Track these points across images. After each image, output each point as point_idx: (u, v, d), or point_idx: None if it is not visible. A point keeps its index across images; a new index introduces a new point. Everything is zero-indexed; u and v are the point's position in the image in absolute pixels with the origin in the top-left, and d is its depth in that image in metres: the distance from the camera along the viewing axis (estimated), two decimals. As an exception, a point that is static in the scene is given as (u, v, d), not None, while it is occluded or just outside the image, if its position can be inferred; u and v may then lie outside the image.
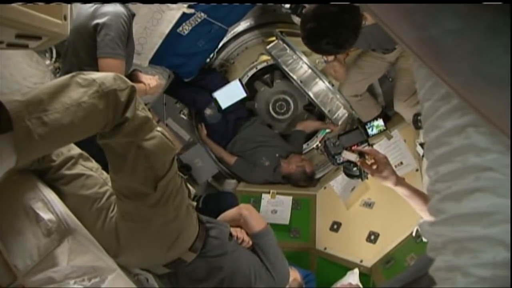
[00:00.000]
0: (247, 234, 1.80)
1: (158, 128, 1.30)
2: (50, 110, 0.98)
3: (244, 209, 1.87)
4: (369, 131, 1.50)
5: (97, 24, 1.65)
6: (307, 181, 2.91)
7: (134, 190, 1.28)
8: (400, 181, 1.26)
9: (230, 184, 3.27)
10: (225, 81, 3.01)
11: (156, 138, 1.26)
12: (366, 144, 1.46)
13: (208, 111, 2.98)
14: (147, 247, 1.39)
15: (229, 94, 2.87)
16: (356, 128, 1.51)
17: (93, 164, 1.42)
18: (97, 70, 1.65)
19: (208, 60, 3.00)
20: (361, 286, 2.12)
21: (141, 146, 1.22)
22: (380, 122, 1.44)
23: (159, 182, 1.27)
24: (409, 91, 2.33)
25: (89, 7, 1.70)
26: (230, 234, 1.68)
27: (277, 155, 2.98)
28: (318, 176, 3.20)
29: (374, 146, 2.52)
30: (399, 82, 2.41)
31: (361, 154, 1.36)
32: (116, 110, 1.14)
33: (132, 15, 1.78)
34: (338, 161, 1.43)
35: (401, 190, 1.26)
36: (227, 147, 3.08)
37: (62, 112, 1.00)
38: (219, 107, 2.90)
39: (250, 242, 1.78)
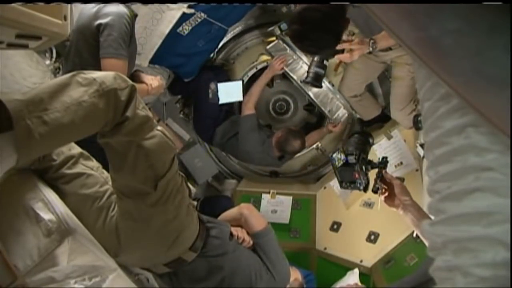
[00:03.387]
0: (248, 233, 1.80)
1: (158, 127, 1.30)
2: (50, 109, 0.98)
3: (244, 209, 1.87)
4: (336, 164, 1.48)
5: (100, 25, 1.65)
6: (297, 138, 2.73)
7: (134, 189, 1.28)
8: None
9: (230, 184, 3.28)
10: (228, 79, 3.02)
11: (156, 137, 1.26)
12: (356, 164, 1.44)
13: (212, 86, 2.93)
14: (147, 246, 1.39)
15: (229, 92, 2.87)
16: (339, 166, 1.50)
17: (94, 163, 1.42)
18: (100, 70, 1.66)
19: (208, 60, 3.00)
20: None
21: (141, 145, 1.22)
22: (339, 155, 1.43)
23: (159, 181, 1.27)
24: (405, 100, 2.32)
25: (92, 8, 1.71)
26: (231, 234, 1.68)
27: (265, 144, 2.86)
28: (318, 176, 3.21)
29: (374, 146, 2.52)
30: (394, 91, 2.38)
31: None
32: (117, 109, 1.14)
33: (134, 16, 1.78)
34: (362, 186, 1.44)
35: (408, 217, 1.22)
36: (215, 135, 2.98)
37: (63, 111, 1.00)
38: (218, 98, 2.90)
39: (251, 242, 1.78)
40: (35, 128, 0.93)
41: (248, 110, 2.78)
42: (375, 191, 1.32)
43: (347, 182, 1.45)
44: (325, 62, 1.84)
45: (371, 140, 1.54)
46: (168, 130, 2.91)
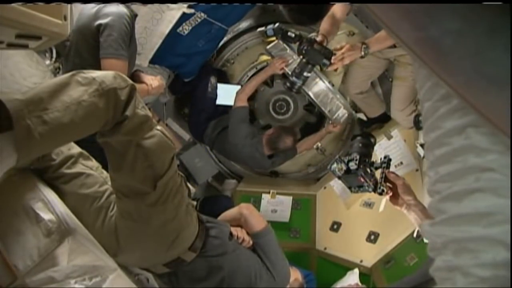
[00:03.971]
0: (248, 233, 1.80)
1: (158, 127, 1.30)
2: (50, 108, 0.98)
3: (244, 209, 1.87)
4: (338, 173, 1.51)
5: (100, 25, 1.65)
6: (289, 134, 2.67)
7: (133, 189, 1.28)
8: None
9: (230, 184, 3.28)
10: (227, 80, 3.03)
11: (156, 137, 1.26)
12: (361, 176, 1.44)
13: (213, 80, 2.92)
14: (146, 246, 1.39)
15: (227, 94, 2.87)
16: (342, 175, 1.50)
17: (93, 163, 1.42)
18: (100, 70, 1.66)
19: (208, 60, 3.00)
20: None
21: (140, 145, 1.22)
22: (340, 165, 1.44)
23: (158, 181, 1.27)
24: (406, 101, 2.32)
25: (92, 8, 1.71)
26: (231, 234, 1.68)
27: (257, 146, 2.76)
28: (318, 176, 3.21)
29: (374, 147, 2.52)
30: (396, 91, 2.39)
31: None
32: (116, 108, 1.14)
33: (134, 16, 1.78)
34: (371, 188, 1.43)
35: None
36: (207, 129, 2.95)
37: (62, 110, 1.00)
38: (216, 94, 2.90)
39: (251, 242, 1.78)
40: (35, 127, 0.93)
41: (241, 102, 2.72)
42: (380, 193, 1.32)
43: (356, 187, 1.44)
44: (305, 73, 1.82)
45: (373, 141, 1.54)
46: (168, 130, 2.92)
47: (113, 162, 1.28)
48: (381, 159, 1.42)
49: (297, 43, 1.82)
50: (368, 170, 1.41)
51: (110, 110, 1.12)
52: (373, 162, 1.45)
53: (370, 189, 1.39)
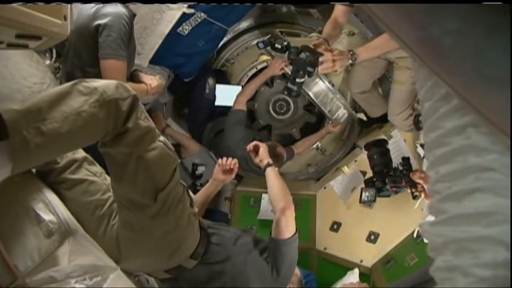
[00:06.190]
0: (272, 237, 1.70)
1: (161, 138, 1.27)
2: (48, 119, 0.96)
3: (288, 211, 1.75)
4: (372, 199, 1.53)
5: (99, 25, 1.65)
6: (277, 152, 2.62)
7: (133, 201, 1.26)
8: None
9: (230, 184, 3.27)
10: (227, 80, 3.03)
11: (158, 149, 1.23)
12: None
13: (210, 81, 2.92)
14: (147, 256, 1.38)
15: (227, 95, 2.87)
16: (377, 196, 1.51)
17: (97, 168, 1.40)
18: (99, 70, 1.66)
19: (208, 60, 3.01)
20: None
21: (142, 157, 1.19)
22: (369, 192, 1.47)
23: (159, 194, 1.24)
24: (403, 105, 2.32)
25: (90, 8, 1.71)
26: (236, 238, 1.65)
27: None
28: (318, 176, 3.21)
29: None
30: (394, 95, 2.39)
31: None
32: (117, 119, 1.12)
33: (133, 16, 1.78)
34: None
35: None
36: (205, 130, 2.95)
37: (61, 121, 0.98)
38: (214, 95, 2.90)
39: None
40: (32, 138, 0.91)
41: (239, 104, 2.73)
42: (414, 197, 1.34)
43: (394, 194, 1.45)
44: (297, 79, 1.87)
45: (386, 145, 1.56)
46: (172, 131, 2.93)
47: (113, 172, 1.26)
48: (400, 163, 1.42)
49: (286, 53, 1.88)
50: (396, 178, 1.42)
51: (111, 121, 1.10)
52: (395, 170, 1.46)
53: (407, 188, 1.40)
